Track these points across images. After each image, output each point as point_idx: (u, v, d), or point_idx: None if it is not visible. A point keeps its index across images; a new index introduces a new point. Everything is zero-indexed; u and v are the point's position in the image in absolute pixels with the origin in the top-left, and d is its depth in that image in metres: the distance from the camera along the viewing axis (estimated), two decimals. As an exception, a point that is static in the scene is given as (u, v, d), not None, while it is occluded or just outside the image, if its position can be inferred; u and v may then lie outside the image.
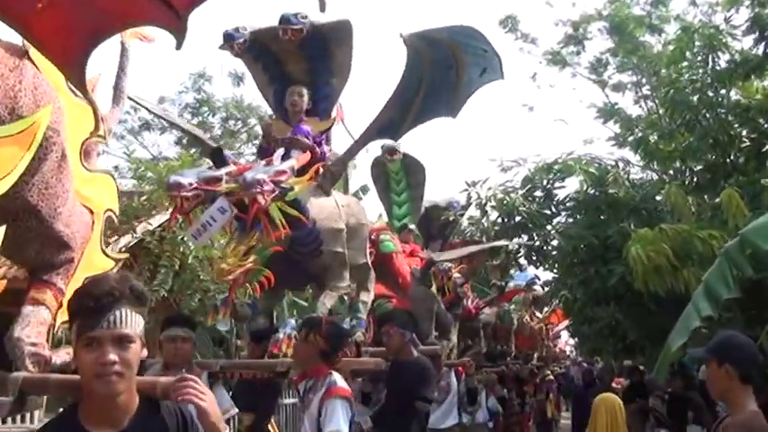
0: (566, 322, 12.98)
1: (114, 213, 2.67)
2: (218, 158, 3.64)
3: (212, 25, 4.36)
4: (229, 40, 4.21)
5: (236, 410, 4.03)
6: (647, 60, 10.37)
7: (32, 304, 2.19)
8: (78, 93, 2.31)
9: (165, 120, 4.90)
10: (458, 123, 4.60)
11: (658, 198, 6.95)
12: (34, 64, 2.12)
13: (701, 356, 2.94)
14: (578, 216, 7.08)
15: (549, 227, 7.16)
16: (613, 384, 9.78)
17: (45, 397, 2.63)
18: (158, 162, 11.56)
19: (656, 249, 5.05)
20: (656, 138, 7.39)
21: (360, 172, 10.23)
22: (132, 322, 1.59)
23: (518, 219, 7.00)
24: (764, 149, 6.30)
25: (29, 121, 1.99)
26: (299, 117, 4.43)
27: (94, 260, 2.51)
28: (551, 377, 13.50)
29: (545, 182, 7.12)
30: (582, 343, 11.50)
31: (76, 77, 1.95)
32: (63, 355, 2.18)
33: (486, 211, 7.43)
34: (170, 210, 3.80)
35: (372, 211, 9.99)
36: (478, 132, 46.95)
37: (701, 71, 6.78)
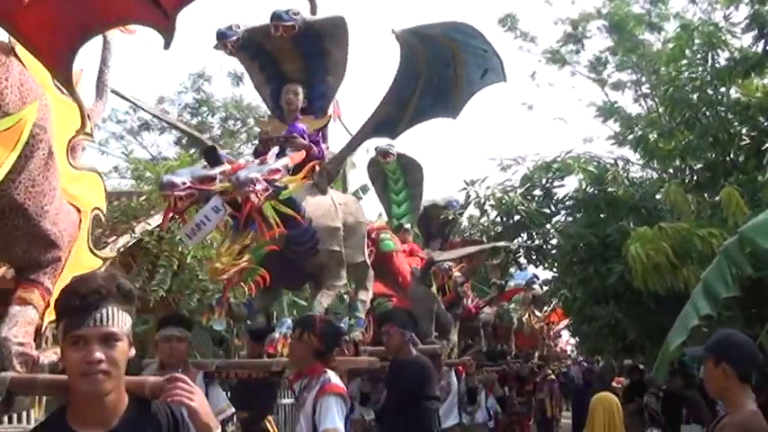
0: (566, 321, 12.95)
1: (102, 212, 2.65)
2: (213, 157, 3.61)
3: (211, 25, 4.35)
4: (222, 38, 4.19)
5: (233, 410, 4.02)
6: (647, 59, 10.35)
7: (20, 304, 2.17)
8: (65, 90, 2.28)
9: (159, 118, 4.88)
10: (457, 122, 4.58)
11: (658, 197, 6.93)
12: (20, 61, 2.09)
13: (698, 355, 2.91)
14: (577, 215, 7.05)
15: (548, 226, 7.13)
16: (613, 384, 9.77)
17: (45, 397, 2.60)
18: (157, 162, 11.54)
19: (655, 248, 5.03)
20: (655, 136, 7.36)
21: (359, 171, 10.22)
22: (119, 320, 1.57)
23: (517, 218, 6.98)
24: (764, 147, 6.26)
25: (15, 119, 1.97)
26: (294, 116, 4.41)
27: (82, 259, 2.48)
28: (552, 377, 13.48)
29: (544, 181, 7.09)
30: (582, 342, 11.47)
31: (63, 75, 1.94)
32: (51, 355, 2.16)
33: (486, 211, 7.41)
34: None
35: (372, 210, 9.99)
36: (478, 131, 46.93)
37: (700, 69, 6.75)
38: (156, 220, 7.71)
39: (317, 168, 4.27)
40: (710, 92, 6.64)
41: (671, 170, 7.62)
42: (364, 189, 10.92)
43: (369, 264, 4.86)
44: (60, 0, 1.85)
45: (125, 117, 17.38)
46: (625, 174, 7.26)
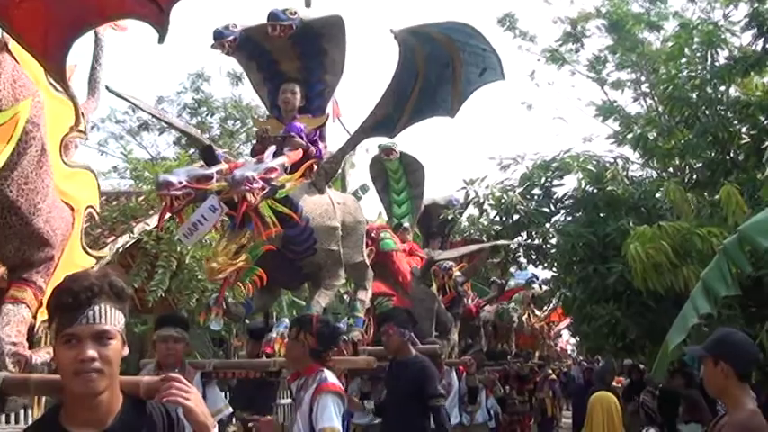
0: (567, 321, 12.94)
1: (95, 210, 2.62)
2: (209, 156, 3.60)
3: (210, 26, 4.33)
4: (219, 37, 4.18)
5: (231, 410, 4.01)
6: (646, 58, 10.33)
7: (12, 303, 2.15)
8: (58, 87, 2.26)
9: (158, 118, 4.84)
10: (456, 121, 4.57)
11: (657, 196, 6.90)
12: (14, 57, 2.07)
13: (698, 354, 2.90)
14: (577, 214, 7.02)
15: (547, 225, 7.11)
16: (614, 383, 9.75)
17: (44, 398, 2.58)
18: (156, 162, 11.53)
19: (655, 247, 5.01)
20: (654, 135, 7.34)
21: (359, 171, 10.21)
22: (112, 318, 1.55)
23: (516, 217, 6.95)
24: (764, 146, 6.24)
25: (8, 115, 1.95)
26: (292, 115, 4.40)
27: (75, 258, 2.46)
28: (553, 376, 13.47)
29: (543, 180, 7.07)
30: (582, 342, 11.46)
31: (56, 70, 1.91)
32: (43, 355, 2.14)
33: (485, 210, 7.39)
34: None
35: (372, 210, 9.99)
36: (477, 131, 47.02)
37: (699, 67, 6.73)
38: (155, 220, 7.71)
39: (315, 167, 4.26)
40: (710, 90, 6.61)
41: (670, 169, 7.60)
42: (364, 189, 10.92)
43: (368, 263, 4.85)
44: None
45: (124, 117, 17.40)
46: (624, 172, 7.24)
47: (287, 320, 4.10)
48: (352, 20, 4.23)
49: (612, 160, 7.37)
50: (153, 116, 4.73)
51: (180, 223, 3.49)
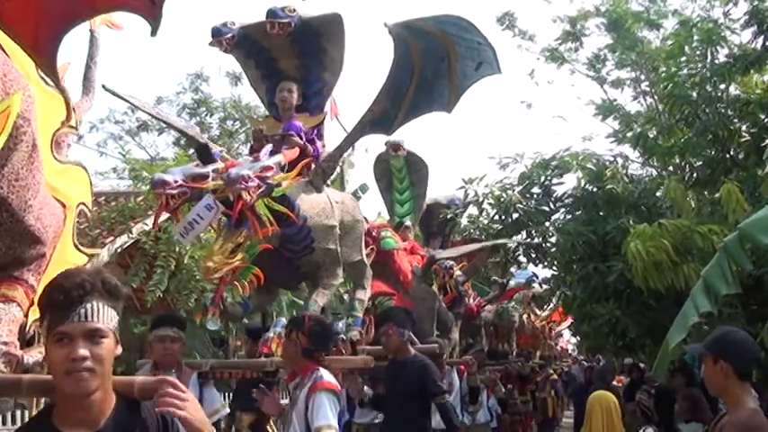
0: (568, 321, 12.92)
1: (87, 207, 2.58)
2: (206, 155, 3.58)
3: (210, 25, 4.29)
4: (217, 35, 4.15)
5: (228, 411, 3.99)
6: (646, 56, 10.31)
7: (3, 302, 2.11)
8: (49, 81, 2.22)
9: (155, 117, 4.83)
10: (456, 121, 4.57)
11: (658, 194, 6.88)
12: (3, 50, 2.04)
13: (698, 352, 2.88)
14: (577, 212, 6.99)
15: (547, 224, 7.07)
16: (614, 382, 9.72)
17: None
18: (155, 162, 11.52)
19: (655, 245, 4.98)
20: (654, 133, 7.32)
21: (358, 171, 10.18)
22: (104, 316, 1.52)
23: (515, 216, 6.92)
24: (764, 144, 6.21)
25: None
26: (289, 114, 4.37)
27: (67, 255, 2.42)
28: (555, 376, 13.45)
29: (543, 178, 7.04)
30: (582, 341, 11.44)
31: (47, 64, 1.88)
32: (35, 355, 2.11)
33: (484, 209, 7.36)
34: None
35: (372, 209, 9.95)
36: (477, 130, 47.02)
37: (699, 65, 6.70)
38: (153, 220, 7.68)
39: (313, 166, 4.23)
40: (710, 88, 6.58)
41: (670, 168, 7.58)
42: (363, 188, 10.90)
43: (366, 262, 4.82)
44: None
45: (123, 118, 17.40)
46: (624, 171, 7.21)
47: (284, 320, 4.08)
48: (351, 17, 4.20)
49: (612, 158, 7.35)
50: (150, 115, 4.71)
51: (176, 222, 3.46)
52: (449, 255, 6.96)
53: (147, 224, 7.61)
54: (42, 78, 2.26)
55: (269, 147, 3.90)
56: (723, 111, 6.47)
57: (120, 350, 1.58)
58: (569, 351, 22.23)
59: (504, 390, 8.65)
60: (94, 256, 2.66)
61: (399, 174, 6.65)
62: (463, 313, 7.73)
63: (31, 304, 2.18)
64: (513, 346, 11.16)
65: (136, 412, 1.63)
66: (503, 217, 7.01)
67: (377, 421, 5.15)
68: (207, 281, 4.83)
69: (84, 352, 1.47)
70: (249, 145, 4.78)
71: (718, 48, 6.67)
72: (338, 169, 5.60)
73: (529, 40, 12.68)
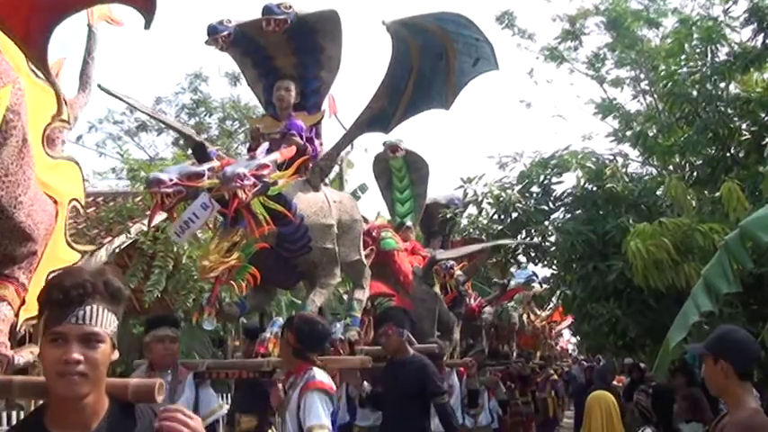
0: (568, 321, 12.89)
1: (80, 203, 2.53)
2: (201, 154, 3.55)
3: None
4: (213, 32, 4.12)
5: (225, 411, 3.96)
6: (645, 55, 10.29)
7: (-7, 300, 2.08)
8: (40, 74, 2.18)
9: (151, 116, 4.79)
10: (455, 120, 4.55)
11: (658, 193, 6.85)
12: (-7, 42, 2.00)
13: (698, 352, 2.85)
14: (576, 211, 6.96)
15: (546, 223, 7.04)
16: (615, 382, 9.69)
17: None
18: (153, 163, 11.50)
19: (655, 244, 4.95)
20: (654, 132, 7.29)
21: (357, 170, 10.15)
22: (104, 320, 1.48)
23: (515, 215, 6.89)
24: (765, 142, 6.19)
25: None
26: (287, 112, 4.35)
27: (59, 253, 2.37)
28: (555, 377, 13.42)
29: (542, 177, 7.00)
30: (582, 341, 11.42)
31: (38, 56, 1.83)
32: (27, 355, 2.07)
33: (483, 209, 7.33)
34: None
35: (372, 209, 9.91)
36: (476, 129, 47.02)
37: (699, 64, 6.67)
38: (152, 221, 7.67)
39: (310, 165, 4.20)
40: (710, 87, 6.55)
41: (671, 166, 7.55)
42: (363, 188, 10.88)
43: (365, 262, 4.79)
44: None
45: (122, 118, 17.38)
46: (624, 169, 7.17)
47: (281, 320, 4.05)
48: (347, 14, 4.17)
49: (612, 157, 7.31)
50: (146, 114, 4.68)
51: (172, 222, 3.43)
52: (450, 255, 6.93)
53: (145, 224, 7.59)
54: (33, 72, 2.21)
55: (265, 145, 3.88)
56: (723, 109, 6.43)
57: (116, 355, 1.54)
58: (569, 351, 22.20)
59: (505, 391, 8.62)
60: (87, 253, 2.60)
61: (399, 173, 6.62)
62: (464, 314, 7.70)
63: (22, 303, 2.14)
64: (514, 347, 11.13)
65: (129, 415, 1.59)
66: (502, 216, 6.98)
67: (378, 423, 5.12)
68: (203, 280, 4.81)
69: (77, 356, 1.43)
70: (248, 145, 4.76)
71: (718, 46, 6.63)
72: (337, 168, 5.57)
73: (528, 38, 12.69)
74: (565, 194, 7.11)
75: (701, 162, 6.76)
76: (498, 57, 4.31)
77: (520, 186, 7.05)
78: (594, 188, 6.83)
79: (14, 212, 2.04)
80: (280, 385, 3.48)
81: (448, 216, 7.28)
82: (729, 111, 6.46)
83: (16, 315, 2.12)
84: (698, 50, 6.72)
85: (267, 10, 4.02)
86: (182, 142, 14.95)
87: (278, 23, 4.04)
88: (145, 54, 37.55)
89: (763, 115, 6.31)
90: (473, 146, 44.47)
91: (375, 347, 4.79)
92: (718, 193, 5.18)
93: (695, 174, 6.84)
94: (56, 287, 1.49)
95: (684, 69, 6.77)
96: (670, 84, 6.73)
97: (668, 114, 7.14)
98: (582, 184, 6.94)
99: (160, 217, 7.26)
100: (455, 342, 7.18)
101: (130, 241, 7.54)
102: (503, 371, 8.88)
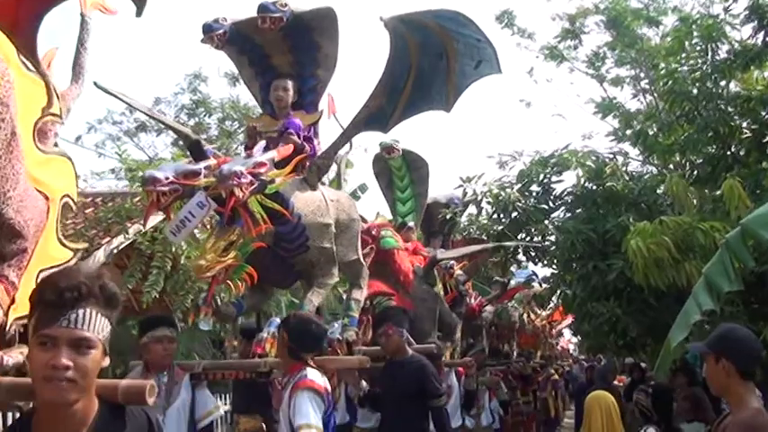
0: (569, 320, 12.86)
1: (72, 199, 2.47)
2: (197, 152, 3.52)
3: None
4: (209, 31, 4.09)
5: (222, 412, 3.93)
6: (646, 54, 10.26)
7: (-19, 299, 2.04)
8: (30, 66, 2.13)
9: (144, 113, 4.77)
10: (454, 119, 4.52)
11: (658, 191, 6.81)
12: (-21, 32, 1.96)
13: (699, 351, 2.82)
14: (576, 210, 6.92)
15: (546, 222, 7.00)
16: (615, 382, 9.64)
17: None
18: (153, 163, 11.46)
19: (656, 242, 4.91)
20: (654, 130, 7.25)
21: (357, 170, 10.10)
22: (96, 325, 1.43)
23: (514, 215, 6.85)
24: (765, 140, 6.15)
25: None
26: (285, 112, 4.32)
27: (50, 250, 2.32)
28: (556, 376, 13.39)
29: (541, 176, 6.97)
30: (583, 340, 11.40)
31: (27, 45, 1.80)
32: (16, 356, 2.03)
33: (483, 208, 7.30)
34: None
35: (373, 209, 9.88)
36: (476, 128, 47.00)
37: (700, 62, 6.64)
38: (149, 221, 7.64)
39: (308, 163, 4.17)
40: (710, 85, 6.52)
41: (671, 165, 7.51)
42: (363, 188, 10.85)
43: (363, 262, 4.75)
44: None
45: (121, 119, 17.37)
46: (624, 168, 7.14)
47: (278, 320, 4.01)
48: (344, 12, 4.14)
49: (612, 156, 7.28)
50: (142, 111, 4.66)
51: (168, 221, 3.40)
52: (451, 255, 6.90)
53: (143, 224, 7.56)
54: (24, 63, 2.16)
55: (262, 143, 3.85)
56: (724, 107, 6.40)
57: (107, 361, 1.50)
58: (570, 351, 22.17)
59: (506, 391, 8.59)
60: (80, 251, 2.54)
61: (399, 172, 6.59)
62: (464, 313, 7.68)
63: (12, 302, 2.10)
64: (514, 346, 11.11)
65: (119, 418, 1.55)
66: (501, 216, 6.94)
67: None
68: (201, 280, 4.76)
69: (65, 361, 1.39)
70: (245, 143, 4.72)
71: (719, 44, 6.59)
72: (335, 168, 5.53)
73: (528, 38, 12.68)
74: (565, 193, 7.08)
75: (701, 161, 6.73)
76: (500, 59, 4.27)
77: (519, 185, 7.02)
78: (594, 187, 6.80)
79: (3, 208, 2.00)
80: (279, 387, 3.45)
81: (447, 216, 7.25)
82: (730, 109, 6.42)
83: (6, 314, 2.08)
84: (698, 48, 6.68)
85: (263, 8, 3.99)
86: (181, 143, 14.94)
87: (274, 21, 4.01)
88: (144, 54, 37.54)
89: (763, 113, 6.28)
90: (473, 145, 44.48)
91: (373, 348, 4.75)
92: (719, 192, 5.15)
93: (696, 172, 6.81)
94: (49, 287, 1.45)
95: (685, 67, 6.73)
96: (670, 82, 6.70)
97: (668, 113, 7.10)
98: (582, 182, 6.91)
99: (158, 217, 7.27)
100: (456, 342, 7.15)
101: (129, 242, 7.51)
102: (504, 370, 8.85)
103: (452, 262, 6.93)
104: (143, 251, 7.48)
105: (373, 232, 5.53)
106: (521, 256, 7.56)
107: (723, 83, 6.57)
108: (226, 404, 7.43)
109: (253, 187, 3.32)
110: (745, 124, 6.46)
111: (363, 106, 4.17)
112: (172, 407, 3.50)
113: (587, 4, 11.57)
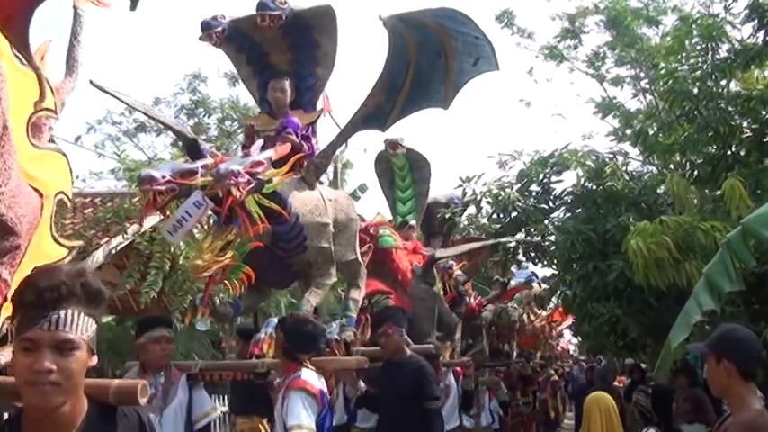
0: (569, 321, 12.84)
1: (67, 196, 2.43)
2: (194, 151, 3.50)
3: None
4: (207, 28, 4.07)
5: (219, 413, 3.90)
6: (646, 53, 10.24)
7: (-27, 297, 2.01)
8: (23, 59, 2.09)
9: (141, 111, 4.74)
10: (454, 119, 4.51)
11: (659, 191, 6.79)
12: (-30, 25, 1.92)
13: (700, 351, 2.79)
14: (576, 210, 6.90)
15: (546, 222, 6.98)
16: (615, 383, 9.62)
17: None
18: (152, 163, 11.45)
19: (656, 242, 4.89)
20: (655, 130, 7.23)
21: (356, 170, 10.09)
22: (79, 325, 1.39)
23: (514, 214, 6.83)
24: (766, 140, 6.13)
25: None
26: (284, 111, 4.29)
27: (44, 248, 2.28)
28: (556, 377, 13.36)
29: (541, 176, 6.94)
30: (583, 341, 11.37)
31: (19, 38, 1.76)
32: (8, 355, 2.00)
33: (482, 208, 7.28)
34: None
35: (372, 209, 9.87)
36: (475, 128, 46.97)
37: (700, 61, 6.62)
38: (148, 221, 7.62)
39: (305, 163, 4.15)
40: (710, 84, 6.50)
41: (671, 165, 7.49)
42: (362, 188, 10.82)
43: (361, 262, 4.73)
44: None
45: (120, 119, 17.35)
46: (624, 168, 7.11)
47: (275, 320, 3.98)
48: (343, 9, 4.12)
49: (612, 155, 7.25)
50: (139, 110, 4.64)
51: (165, 220, 3.37)
52: (449, 254, 6.87)
53: (142, 225, 7.53)
54: (17, 56, 2.13)
55: (260, 142, 3.82)
56: (724, 107, 6.38)
57: (95, 361, 1.46)
58: (570, 351, 22.15)
59: (506, 391, 8.56)
60: (74, 249, 2.49)
61: (401, 172, 6.57)
62: (464, 313, 7.66)
63: (5, 300, 2.06)
64: (514, 347, 11.09)
65: (110, 419, 1.52)
66: (501, 215, 6.92)
67: None
68: (199, 281, 4.74)
69: (48, 365, 1.35)
70: (243, 142, 4.70)
71: (719, 43, 6.57)
72: (333, 167, 5.51)
73: (528, 37, 12.65)
74: (564, 193, 7.05)
75: (701, 160, 6.70)
76: (498, 56, 4.26)
77: (519, 185, 6.99)
78: (594, 187, 6.77)
79: None
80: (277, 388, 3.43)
81: (447, 216, 7.23)
82: (730, 108, 6.40)
83: (-2, 312, 2.06)
84: (698, 48, 6.66)
85: (262, 5, 3.97)
86: (181, 143, 14.91)
87: (272, 19, 3.99)
88: (144, 54, 37.54)
89: (763, 113, 6.26)
90: (473, 145, 44.45)
91: (371, 348, 4.73)
92: (719, 191, 5.13)
93: (696, 172, 6.79)
94: (29, 288, 1.40)
95: (685, 67, 6.71)
96: (670, 82, 6.67)
97: (668, 112, 7.08)
98: (582, 182, 6.88)
99: (157, 217, 7.25)
100: (456, 342, 7.13)
101: (127, 242, 7.48)
102: (504, 371, 8.83)
103: (452, 262, 6.90)
104: (141, 251, 7.46)
105: (371, 231, 5.50)
106: (521, 256, 7.53)
107: (723, 82, 6.55)
108: (223, 405, 7.41)
109: (250, 186, 3.29)
110: (745, 124, 6.43)
111: (362, 105, 4.15)
112: (169, 408, 3.49)
113: (587, 3, 11.56)
